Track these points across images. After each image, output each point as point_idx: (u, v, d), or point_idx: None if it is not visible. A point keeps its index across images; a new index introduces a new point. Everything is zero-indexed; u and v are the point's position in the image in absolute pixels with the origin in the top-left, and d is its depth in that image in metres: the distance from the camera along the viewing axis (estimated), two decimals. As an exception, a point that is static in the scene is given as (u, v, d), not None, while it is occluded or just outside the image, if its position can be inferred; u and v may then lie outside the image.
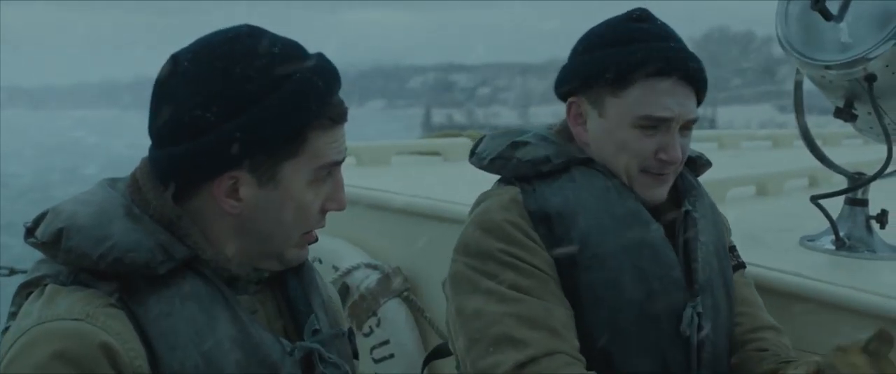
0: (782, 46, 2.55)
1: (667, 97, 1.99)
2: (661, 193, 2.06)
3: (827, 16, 2.44)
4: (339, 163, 1.59)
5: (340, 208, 1.63)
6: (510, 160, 2.06)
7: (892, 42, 2.37)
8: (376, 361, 2.98)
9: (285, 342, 1.59)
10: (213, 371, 1.48)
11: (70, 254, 1.48)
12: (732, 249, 2.21)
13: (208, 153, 1.50)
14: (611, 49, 2.03)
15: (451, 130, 4.43)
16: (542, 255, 1.96)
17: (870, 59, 2.40)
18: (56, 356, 1.39)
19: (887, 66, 2.41)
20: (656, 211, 2.06)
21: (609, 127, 2.03)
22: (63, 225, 1.49)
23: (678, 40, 2.06)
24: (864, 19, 2.43)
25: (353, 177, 3.34)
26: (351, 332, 1.80)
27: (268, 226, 1.57)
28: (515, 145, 2.07)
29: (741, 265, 2.21)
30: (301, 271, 1.70)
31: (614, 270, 1.96)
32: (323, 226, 1.64)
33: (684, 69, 2.00)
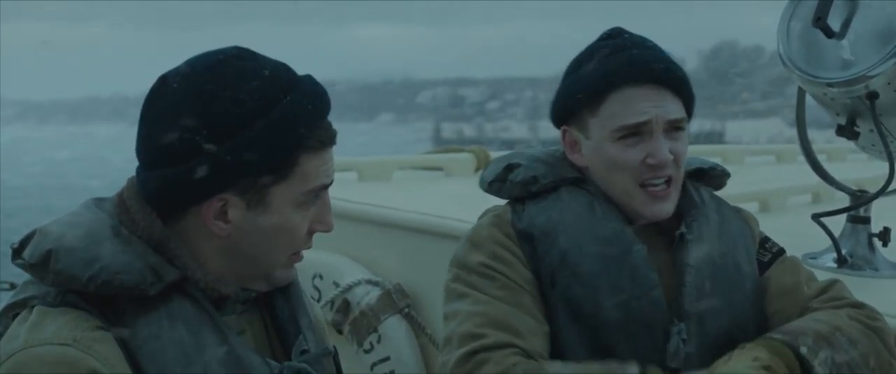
0: (784, 64, 2.54)
1: (640, 103, 1.98)
2: (663, 208, 2.04)
3: (828, 33, 2.44)
4: (327, 186, 1.59)
5: (327, 230, 1.63)
6: (505, 183, 2.12)
7: (894, 60, 2.37)
8: (377, 378, 2.97)
9: (273, 363, 1.59)
10: None
11: (59, 276, 1.46)
12: (763, 241, 2.17)
13: (199, 177, 1.49)
14: (581, 71, 2.06)
15: (458, 144, 4.43)
16: (521, 271, 2.00)
17: (871, 77, 2.40)
18: None
19: (889, 83, 2.41)
20: (662, 228, 2.06)
21: (596, 147, 2.04)
22: (51, 247, 1.47)
23: (646, 47, 2.05)
24: (866, 37, 2.43)
25: (355, 192, 3.36)
26: (335, 351, 1.80)
27: (255, 248, 1.57)
28: (509, 168, 2.13)
29: (776, 255, 2.15)
30: (288, 291, 1.70)
31: (592, 288, 1.98)
32: (310, 247, 1.64)
33: (647, 72, 1.99)
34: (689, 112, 2.05)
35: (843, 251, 2.61)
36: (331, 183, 1.60)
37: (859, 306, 2.03)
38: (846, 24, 2.45)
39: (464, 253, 2.06)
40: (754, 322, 2.07)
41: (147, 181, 1.53)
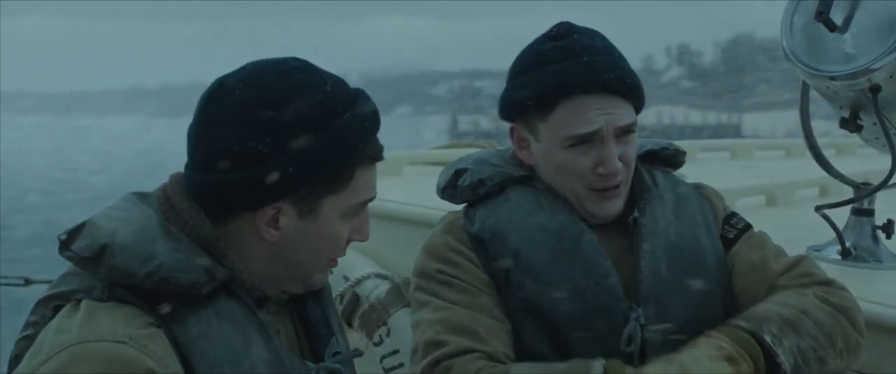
0: (787, 58, 2.55)
1: (590, 112, 1.97)
2: (611, 206, 2.04)
3: (831, 27, 2.45)
4: (373, 199, 1.64)
5: (364, 240, 1.67)
6: (456, 189, 2.15)
7: (896, 53, 2.38)
8: (386, 370, 2.99)
9: (311, 364, 1.63)
10: None
11: (114, 271, 1.47)
12: (729, 218, 2.16)
13: (259, 184, 1.51)
14: (530, 74, 2.04)
15: (475, 136, 4.45)
16: (475, 273, 2.03)
17: (874, 70, 2.41)
18: None
19: (892, 76, 2.42)
20: (619, 216, 2.06)
21: (546, 151, 2.04)
22: (107, 241, 1.48)
23: (596, 52, 2.01)
24: (869, 30, 2.44)
25: (365, 188, 3.38)
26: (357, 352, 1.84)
27: (301, 255, 1.60)
28: (458, 174, 2.15)
29: (742, 230, 2.14)
30: (320, 294, 1.73)
31: (545, 283, 1.99)
32: (343, 254, 1.68)
33: (600, 82, 1.97)
34: (639, 110, 2.04)
35: (847, 244, 2.63)
36: (375, 196, 1.64)
37: (827, 283, 2.03)
38: (849, 19, 2.46)
39: (421, 262, 2.10)
40: (721, 299, 2.06)
41: (204, 184, 1.54)
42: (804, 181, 3.54)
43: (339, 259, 3.05)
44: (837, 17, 2.45)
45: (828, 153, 2.85)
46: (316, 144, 1.51)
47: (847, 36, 2.46)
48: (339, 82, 1.59)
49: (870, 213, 2.67)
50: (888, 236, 2.66)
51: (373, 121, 1.60)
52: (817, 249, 2.70)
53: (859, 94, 2.48)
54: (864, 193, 2.64)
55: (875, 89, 2.44)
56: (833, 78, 2.47)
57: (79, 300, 1.48)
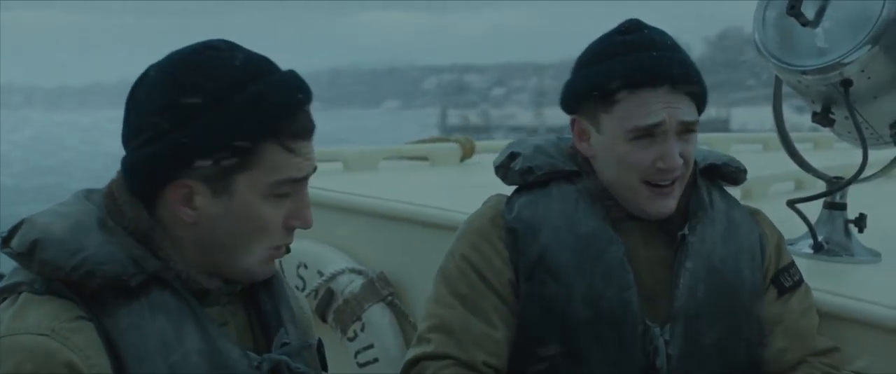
0: (759, 52, 2.55)
1: (654, 105, 1.98)
2: (665, 205, 2.05)
3: (803, 21, 2.44)
4: (299, 180, 1.59)
5: (305, 226, 1.63)
6: (508, 170, 2.16)
7: (867, 47, 2.39)
8: (361, 365, 2.99)
9: (252, 355, 1.61)
10: None
11: (44, 265, 1.50)
12: (784, 269, 2.17)
13: (158, 159, 1.53)
14: (597, 66, 2.05)
15: (464, 131, 4.45)
16: (498, 267, 2.05)
17: (845, 64, 2.41)
18: (18, 371, 1.42)
19: (863, 71, 2.42)
20: (665, 225, 2.07)
21: (607, 143, 2.05)
22: (37, 237, 1.51)
23: (665, 48, 2.04)
24: (840, 25, 2.44)
25: (340, 182, 3.37)
26: (320, 343, 1.83)
27: (225, 238, 1.58)
28: (513, 156, 2.16)
29: (791, 287, 2.16)
30: (271, 285, 1.72)
31: (565, 285, 2.01)
32: (289, 242, 1.65)
33: (667, 77, 1.99)
34: (701, 111, 2.06)
35: (820, 237, 2.63)
36: (304, 177, 1.59)
37: None
38: (820, 13, 2.46)
39: (457, 238, 2.13)
40: (747, 331, 2.08)
41: (122, 165, 1.59)
42: (780, 175, 3.53)
43: (314, 254, 3.08)
44: (809, 11, 2.45)
45: (805, 147, 2.86)
46: (211, 117, 1.51)
47: (819, 30, 2.46)
48: (256, 59, 1.58)
49: (842, 207, 2.67)
50: (860, 230, 2.66)
51: (287, 95, 1.56)
52: (790, 243, 2.69)
53: (831, 88, 2.49)
54: (835, 187, 2.64)
55: (846, 83, 2.44)
56: (805, 72, 2.48)
57: (21, 293, 1.51)
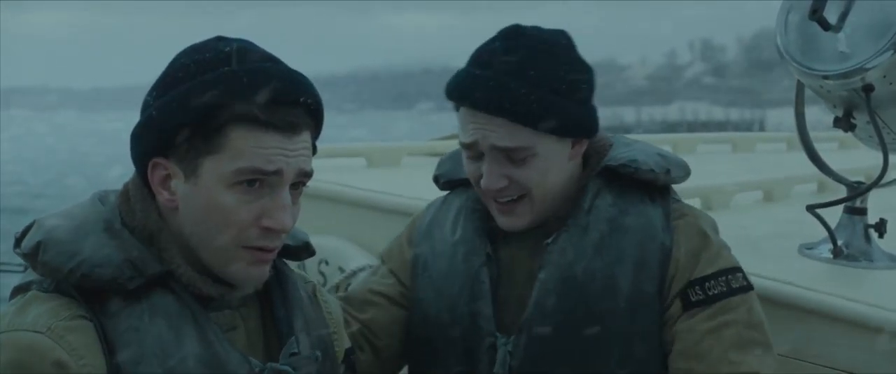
0: (781, 56, 2.55)
1: (468, 124, 1.99)
2: (509, 222, 2.01)
3: (825, 26, 2.44)
4: (267, 172, 1.54)
5: (282, 229, 1.58)
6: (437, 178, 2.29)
7: (890, 52, 2.37)
8: (380, 360, 3.01)
9: (255, 361, 1.60)
10: None
11: (45, 267, 1.53)
12: (697, 282, 1.95)
13: (136, 134, 1.58)
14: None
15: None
16: (397, 266, 2.20)
17: (867, 70, 2.39)
18: (10, 366, 1.45)
19: (885, 76, 2.41)
20: (542, 236, 2.02)
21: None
22: (41, 238, 1.54)
23: (487, 66, 1.99)
24: (863, 30, 2.43)
25: (363, 179, 3.39)
26: (351, 351, 1.86)
27: (194, 227, 1.57)
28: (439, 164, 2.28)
29: (699, 302, 1.95)
30: (286, 292, 1.72)
31: (434, 290, 2.09)
32: (269, 244, 1.59)
33: (470, 98, 1.99)
34: (555, 133, 1.95)
35: (839, 242, 2.62)
36: (275, 171, 1.54)
37: None
38: (843, 17, 2.45)
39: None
40: (618, 348, 1.93)
41: None
42: (802, 176, 3.52)
43: (335, 250, 3.09)
44: (832, 16, 2.44)
45: (830, 147, 2.85)
46: (180, 93, 1.53)
47: (841, 35, 2.44)
48: (249, 49, 1.57)
49: (862, 212, 2.66)
50: (880, 236, 2.64)
51: (256, 81, 1.52)
52: (809, 247, 2.69)
53: (853, 93, 2.47)
54: (856, 192, 2.64)
55: (868, 89, 2.43)
56: (826, 77, 2.46)
57: (30, 291, 1.55)
